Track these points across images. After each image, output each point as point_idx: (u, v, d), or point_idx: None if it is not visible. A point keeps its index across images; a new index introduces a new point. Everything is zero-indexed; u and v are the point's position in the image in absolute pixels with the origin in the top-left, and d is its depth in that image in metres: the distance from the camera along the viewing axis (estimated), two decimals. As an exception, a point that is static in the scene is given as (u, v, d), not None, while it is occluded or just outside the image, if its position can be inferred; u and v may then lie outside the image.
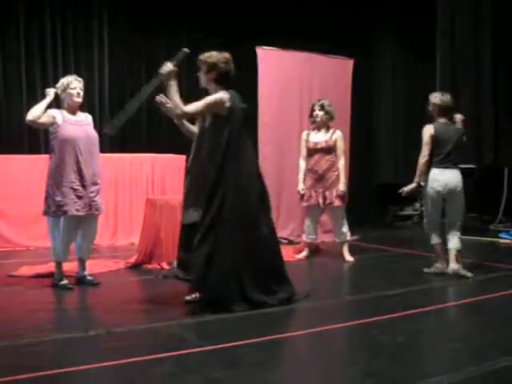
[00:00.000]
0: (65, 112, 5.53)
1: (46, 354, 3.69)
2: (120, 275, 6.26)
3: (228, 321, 4.42)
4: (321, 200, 7.10)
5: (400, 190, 6.07)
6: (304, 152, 7.24)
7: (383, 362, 3.49)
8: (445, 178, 5.91)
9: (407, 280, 5.95)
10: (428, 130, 6.03)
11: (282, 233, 8.12)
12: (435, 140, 5.96)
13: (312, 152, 7.18)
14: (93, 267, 6.13)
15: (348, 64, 9.25)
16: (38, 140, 9.41)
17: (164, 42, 10.59)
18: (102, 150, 9.51)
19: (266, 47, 8.55)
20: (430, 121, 6.14)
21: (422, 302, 5.00)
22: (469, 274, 5.88)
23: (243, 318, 4.48)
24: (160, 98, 4.80)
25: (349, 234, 7.27)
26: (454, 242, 5.99)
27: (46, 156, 8.62)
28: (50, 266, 5.77)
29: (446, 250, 6.09)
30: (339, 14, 11.17)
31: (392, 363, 3.51)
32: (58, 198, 5.35)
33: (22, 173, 8.15)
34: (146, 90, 4.95)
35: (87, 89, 9.75)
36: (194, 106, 4.69)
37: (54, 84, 9.46)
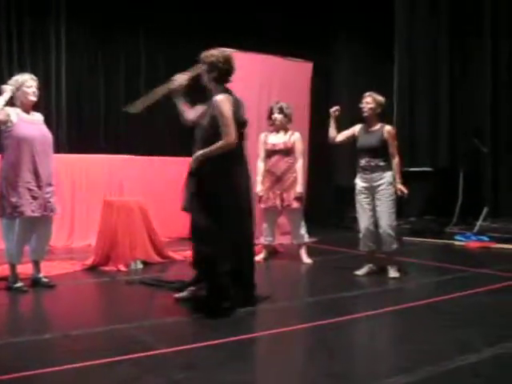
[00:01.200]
0: (19, 110, 5.41)
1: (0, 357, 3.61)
2: (76, 277, 6.18)
3: (186, 323, 4.42)
4: (278, 202, 7.11)
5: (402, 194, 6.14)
6: (262, 154, 7.24)
7: (341, 363, 3.51)
8: None
9: (364, 282, 6.01)
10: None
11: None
12: None
13: (270, 154, 7.18)
14: (49, 269, 6.04)
15: (307, 67, 9.30)
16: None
17: (122, 43, 10.56)
18: (60, 151, 9.53)
19: (226, 48, 8.52)
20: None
21: (378, 303, 5.05)
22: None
23: (201, 320, 4.46)
24: None
25: (307, 236, 7.29)
26: None
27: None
28: (4, 269, 5.65)
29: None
30: (297, 15, 11.23)
31: (350, 364, 3.54)
32: (14, 199, 5.23)
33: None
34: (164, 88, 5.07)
35: (44, 89, 9.75)
36: (228, 134, 4.60)
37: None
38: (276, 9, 11.07)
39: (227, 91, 4.84)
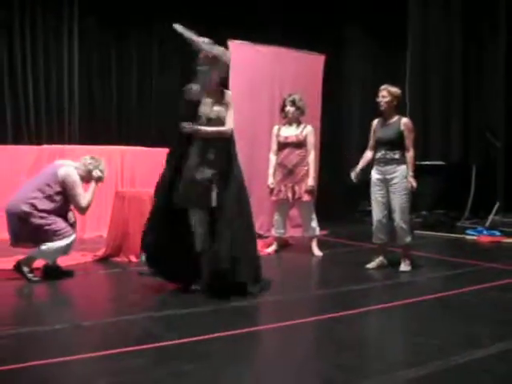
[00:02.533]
0: None
1: (10, 347, 3.64)
2: (88, 268, 6.20)
3: (197, 314, 4.43)
4: (290, 195, 7.11)
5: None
6: (274, 146, 7.24)
7: (350, 356, 3.52)
8: None
9: (375, 275, 6.01)
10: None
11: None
12: None
13: (282, 146, 7.18)
14: (60, 260, 6.07)
15: (320, 59, 9.27)
16: (5, 134, 9.36)
17: (135, 31, 10.55)
18: (72, 143, 9.57)
19: (237, 41, 8.52)
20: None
21: (388, 297, 5.06)
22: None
23: (212, 312, 4.48)
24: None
25: (318, 229, 7.29)
26: None
27: (14, 147, 8.68)
28: (16, 259, 5.69)
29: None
30: (309, 6, 11.16)
31: (358, 357, 3.54)
32: None
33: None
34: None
35: (56, 82, 9.80)
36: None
37: (22, 77, 9.48)
38: (288, 0, 11.03)
39: None
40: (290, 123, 7.23)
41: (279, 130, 7.27)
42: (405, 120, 6.11)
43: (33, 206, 5.34)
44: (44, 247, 5.42)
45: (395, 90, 6.15)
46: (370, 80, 11.98)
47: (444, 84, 10.99)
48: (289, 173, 7.12)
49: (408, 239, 6.12)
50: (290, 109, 7.17)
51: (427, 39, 11.16)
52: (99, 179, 5.82)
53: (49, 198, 5.42)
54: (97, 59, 10.35)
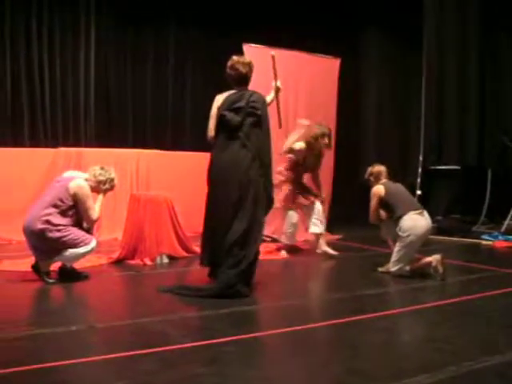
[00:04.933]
0: None
1: (26, 348, 3.67)
2: (102, 271, 6.24)
3: (210, 317, 4.44)
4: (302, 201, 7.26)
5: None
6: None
7: (364, 361, 3.52)
8: None
9: (388, 280, 5.99)
10: None
11: (265, 231, 8.14)
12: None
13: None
14: (76, 262, 6.11)
15: (335, 63, 9.27)
16: (22, 132, 9.42)
17: (151, 32, 10.58)
18: (88, 145, 9.63)
19: (252, 44, 8.53)
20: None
21: (402, 301, 5.05)
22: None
23: (225, 315, 4.48)
24: None
25: (323, 228, 7.34)
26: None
27: (30, 149, 8.75)
28: (33, 260, 5.74)
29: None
30: (323, 9, 11.16)
31: (373, 362, 3.54)
32: None
33: (3, 166, 8.14)
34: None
35: (72, 82, 9.84)
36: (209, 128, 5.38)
37: (39, 77, 9.54)
38: (302, 3, 11.02)
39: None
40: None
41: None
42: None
43: (48, 222, 5.42)
44: (66, 253, 5.49)
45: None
46: (386, 83, 11.98)
47: (460, 88, 10.92)
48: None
49: None
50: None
51: (443, 43, 11.10)
52: (107, 190, 5.88)
53: (62, 212, 5.50)
54: (113, 59, 10.38)
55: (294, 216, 7.39)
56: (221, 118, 5.21)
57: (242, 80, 5.40)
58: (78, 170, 5.98)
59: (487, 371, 3.35)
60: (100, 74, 10.20)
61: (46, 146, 9.25)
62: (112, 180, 5.88)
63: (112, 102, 10.41)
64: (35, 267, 5.56)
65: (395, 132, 11.81)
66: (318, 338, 4.15)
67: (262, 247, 7.79)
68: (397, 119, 11.77)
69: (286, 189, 7.31)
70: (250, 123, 5.20)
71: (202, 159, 9.16)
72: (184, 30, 10.71)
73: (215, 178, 5.26)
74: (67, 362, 3.37)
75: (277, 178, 7.25)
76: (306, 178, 7.58)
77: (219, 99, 5.30)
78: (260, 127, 5.26)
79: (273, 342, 4.01)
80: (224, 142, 5.22)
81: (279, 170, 7.35)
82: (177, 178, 8.77)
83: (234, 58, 5.41)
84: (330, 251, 7.22)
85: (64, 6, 9.74)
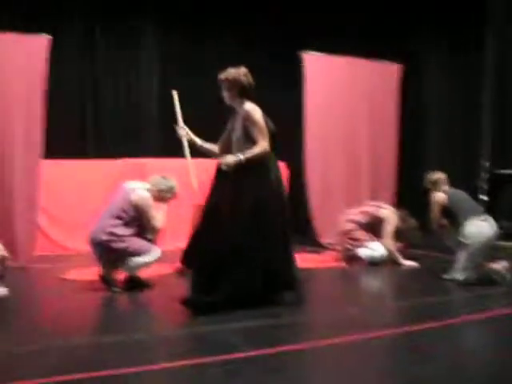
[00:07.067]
0: None
1: (91, 356, 3.76)
2: (167, 280, 6.33)
3: (273, 326, 4.44)
4: None
5: None
6: None
7: (430, 370, 3.46)
8: None
9: (454, 287, 5.88)
10: None
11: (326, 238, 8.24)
12: None
13: None
14: (141, 271, 6.21)
15: (394, 69, 9.20)
16: (87, 144, 9.60)
17: (212, 46, 10.63)
18: (149, 155, 9.75)
19: (312, 52, 8.55)
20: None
21: (469, 309, 4.96)
22: None
23: (289, 324, 4.50)
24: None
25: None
26: None
27: (95, 161, 8.92)
28: (99, 270, 5.87)
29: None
30: (381, 14, 11.03)
31: (439, 371, 3.48)
32: None
33: (69, 178, 8.37)
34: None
35: (136, 93, 9.97)
36: (264, 140, 4.87)
37: (103, 88, 9.70)
38: (359, 8, 10.89)
39: (253, 103, 5.04)
40: None
41: None
42: None
43: (112, 234, 5.59)
44: (131, 263, 5.62)
45: None
46: (446, 87, 11.75)
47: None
48: None
49: None
50: None
51: (506, 43, 10.86)
52: (169, 199, 6.01)
53: (126, 223, 5.66)
54: (174, 71, 10.50)
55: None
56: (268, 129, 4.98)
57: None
58: (142, 181, 6.08)
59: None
60: (162, 85, 10.31)
61: (111, 157, 9.41)
62: (173, 188, 5.98)
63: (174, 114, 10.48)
64: (102, 277, 5.70)
65: (457, 137, 11.58)
66: (384, 347, 4.12)
67: (321, 256, 7.84)
68: (459, 123, 11.53)
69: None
70: None
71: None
72: (240, 37, 10.68)
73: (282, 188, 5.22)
74: (130, 369, 3.44)
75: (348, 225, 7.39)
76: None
77: (259, 109, 5.03)
78: None
79: (336, 351, 3.98)
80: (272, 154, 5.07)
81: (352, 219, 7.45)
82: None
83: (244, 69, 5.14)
84: (409, 263, 7.18)
85: (127, 20, 9.91)
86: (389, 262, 7.21)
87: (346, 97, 8.75)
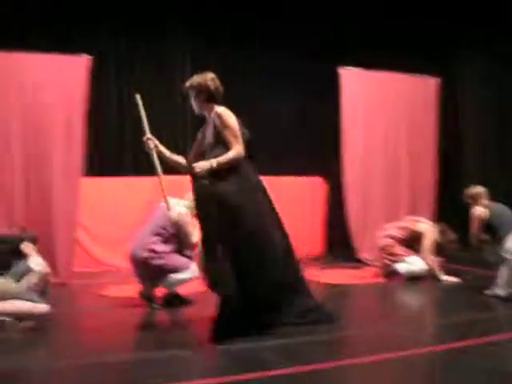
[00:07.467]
0: None
1: (129, 372, 3.79)
2: (206, 296, 6.31)
3: (312, 343, 4.41)
4: None
5: None
6: None
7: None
8: None
9: (497, 303, 5.76)
10: None
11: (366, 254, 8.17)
12: None
13: None
14: (180, 288, 6.24)
15: (433, 83, 9.13)
16: (125, 161, 9.66)
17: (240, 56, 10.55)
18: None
19: (348, 67, 8.54)
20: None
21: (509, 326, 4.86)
22: None
23: (326, 342, 4.46)
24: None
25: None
26: None
27: (133, 178, 8.99)
28: (138, 287, 5.92)
29: None
30: (418, 27, 10.93)
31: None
32: None
33: (109, 195, 8.49)
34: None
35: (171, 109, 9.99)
36: (238, 144, 4.67)
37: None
38: (396, 22, 10.80)
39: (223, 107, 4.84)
40: None
41: None
42: None
43: (152, 250, 5.65)
44: (170, 279, 5.69)
45: None
46: (486, 100, 11.58)
47: None
48: None
49: None
50: None
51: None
52: None
53: (165, 240, 5.72)
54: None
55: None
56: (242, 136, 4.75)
57: None
58: (179, 198, 6.11)
59: None
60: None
61: (149, 174, 9.45)
62: None
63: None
64: (142, 293, 5.74)
65: (498, 150, 11.39)
66: (426, 364, 4.05)
67: (360, 271, 7.77)
68: (498, 136, 11.35)
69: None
70: None
71: (303, 185, 9.37)
72: (272, 49, 10.57)
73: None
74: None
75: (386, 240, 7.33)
76: None
77: (231, 113, 4.81)
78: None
79: (374, 369, 3.93)
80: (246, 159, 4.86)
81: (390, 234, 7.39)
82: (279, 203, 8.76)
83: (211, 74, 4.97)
84: (450, 278, 7.08)
85: (165, 41, 10.00)
86: (428, 277, 7.11)
87: (384, 112, 8.71)
